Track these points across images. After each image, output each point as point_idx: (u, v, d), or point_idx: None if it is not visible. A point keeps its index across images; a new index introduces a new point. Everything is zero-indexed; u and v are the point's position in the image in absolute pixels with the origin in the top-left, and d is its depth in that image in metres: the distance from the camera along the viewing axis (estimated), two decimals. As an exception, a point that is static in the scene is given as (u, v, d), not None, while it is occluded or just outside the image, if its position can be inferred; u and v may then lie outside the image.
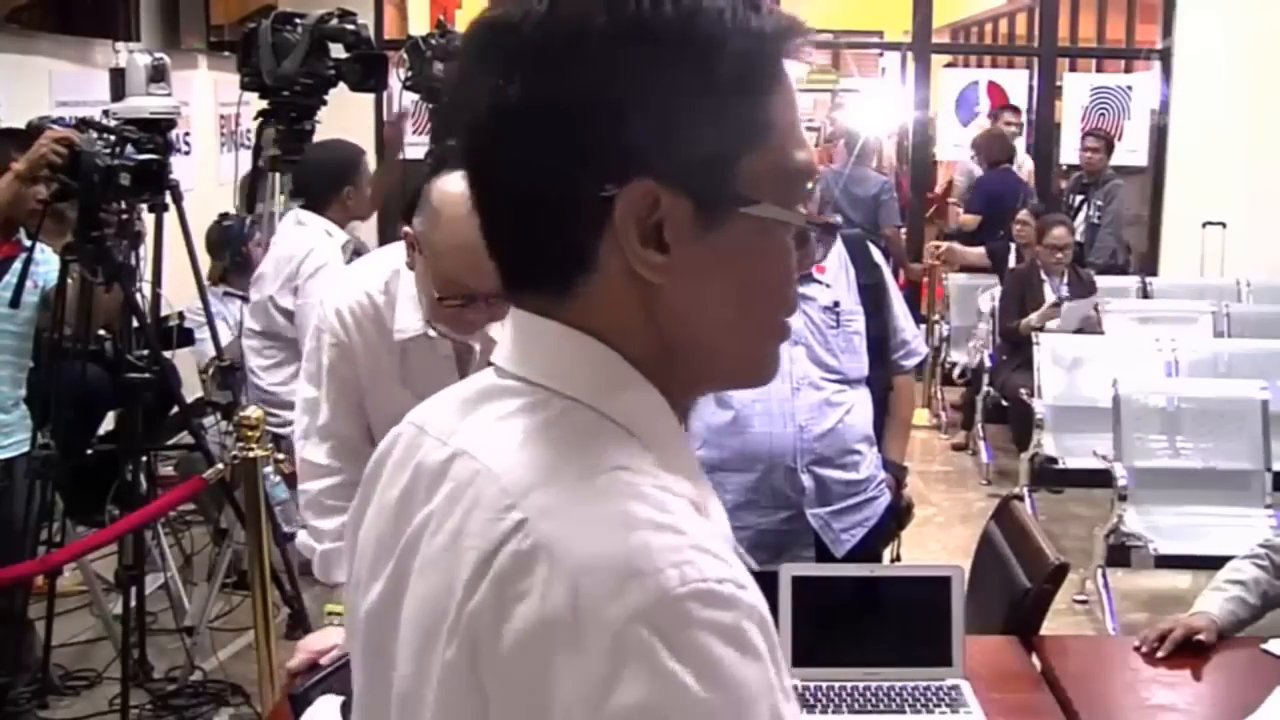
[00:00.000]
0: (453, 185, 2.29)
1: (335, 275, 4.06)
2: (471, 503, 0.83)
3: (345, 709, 1.84)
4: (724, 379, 0.96)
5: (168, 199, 3.89)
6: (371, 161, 5.20)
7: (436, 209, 2.27)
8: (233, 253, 5.06)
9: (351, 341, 2.51)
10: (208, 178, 6.69)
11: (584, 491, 0.80)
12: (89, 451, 4.10)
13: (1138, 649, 2.64)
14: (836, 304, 3.02)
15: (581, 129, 0.84)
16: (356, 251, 5.10)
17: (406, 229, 2.38)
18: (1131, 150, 8.63)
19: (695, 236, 0.85)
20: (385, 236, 7.08)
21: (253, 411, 3.41)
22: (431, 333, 2.44)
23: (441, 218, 2.26)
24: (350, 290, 2.54)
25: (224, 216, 5.30)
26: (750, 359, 0.92)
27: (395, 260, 2.44)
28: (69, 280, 3.73)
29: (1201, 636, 2.62)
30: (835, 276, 3.05)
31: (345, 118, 6.72)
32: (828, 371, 2.99)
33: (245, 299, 4.61)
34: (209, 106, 7.13)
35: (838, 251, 3.05)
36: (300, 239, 4.22)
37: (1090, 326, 6.44)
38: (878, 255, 3.21)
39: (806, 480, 2.98)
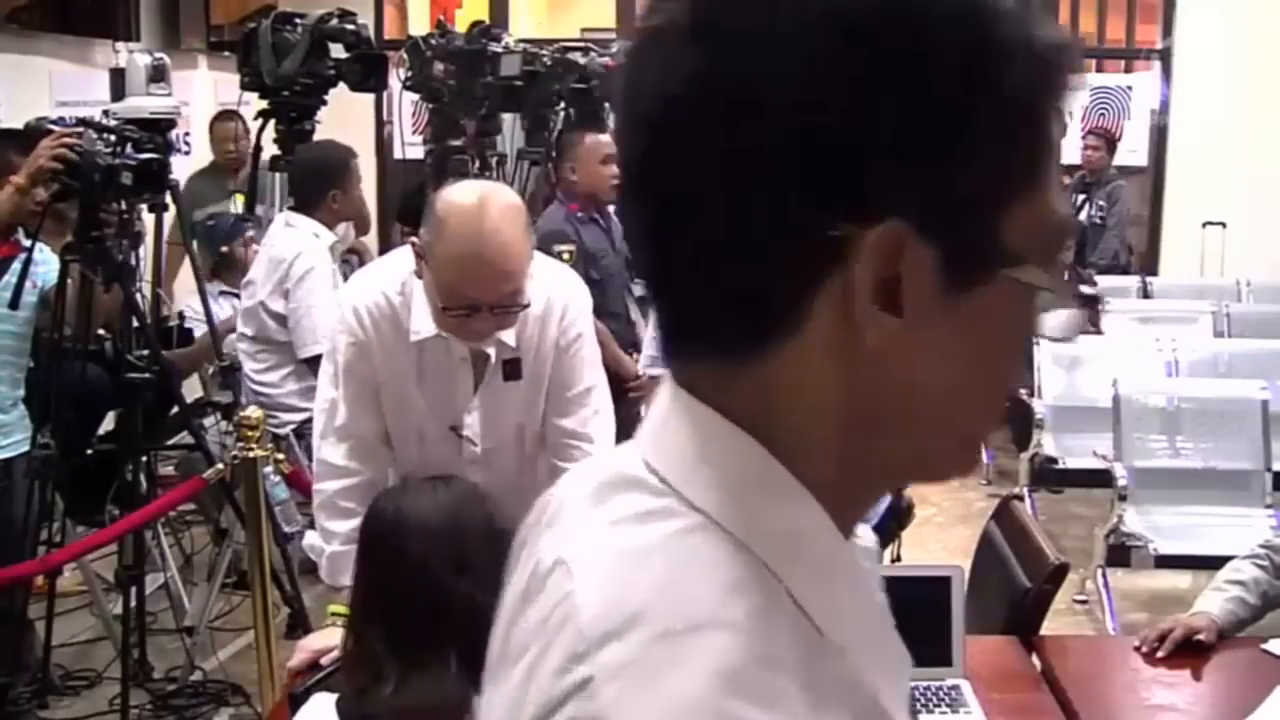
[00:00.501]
0: (457, 195, 2.29)
1: (325, 278, 4.08)
2: (550, 636, 0.69)
3: (340, 706, 1.84)
4: (917, 474, 0.76)
5: (168, 199, 3.89)
6: (372, 162, 5.21)
7: (441, 219, 2.26)
8: (213, 252, 5.06)
9: (369, 340, 2.51)
10: (208, 178, 6.68)
11: (664, 655, 0.64)
12: (89, 451, 4.09)
13: (1138, 649, 2.64)
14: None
15: (817, 143, 0.63)
16: (353, 250, 5.10)
17: (413, 239, 2.38)
18: (1131, 150, 8.62)
19: (938, 297, 0.65)
20: (384, 238, 7.10)
21: (253, 411, 3.41)
22: (445, 334, 2.44)
23: (445, 229, 2.25)
24: (367, 290, 2.55)
25: (210, 216, 5.31)
26: (962, 448, 0.72)
27: (411, 262, 2.44)
28: (69, 280, 3.72)
29: (1201, 636, 2.62)
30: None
31: (345, 118, 6.76)
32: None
33: (240, 297, 4.61)
34: (209, 106, 7.13)
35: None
36: (289, 242, 4.22)
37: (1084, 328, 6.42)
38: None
39: (806, 480, 2.98)
